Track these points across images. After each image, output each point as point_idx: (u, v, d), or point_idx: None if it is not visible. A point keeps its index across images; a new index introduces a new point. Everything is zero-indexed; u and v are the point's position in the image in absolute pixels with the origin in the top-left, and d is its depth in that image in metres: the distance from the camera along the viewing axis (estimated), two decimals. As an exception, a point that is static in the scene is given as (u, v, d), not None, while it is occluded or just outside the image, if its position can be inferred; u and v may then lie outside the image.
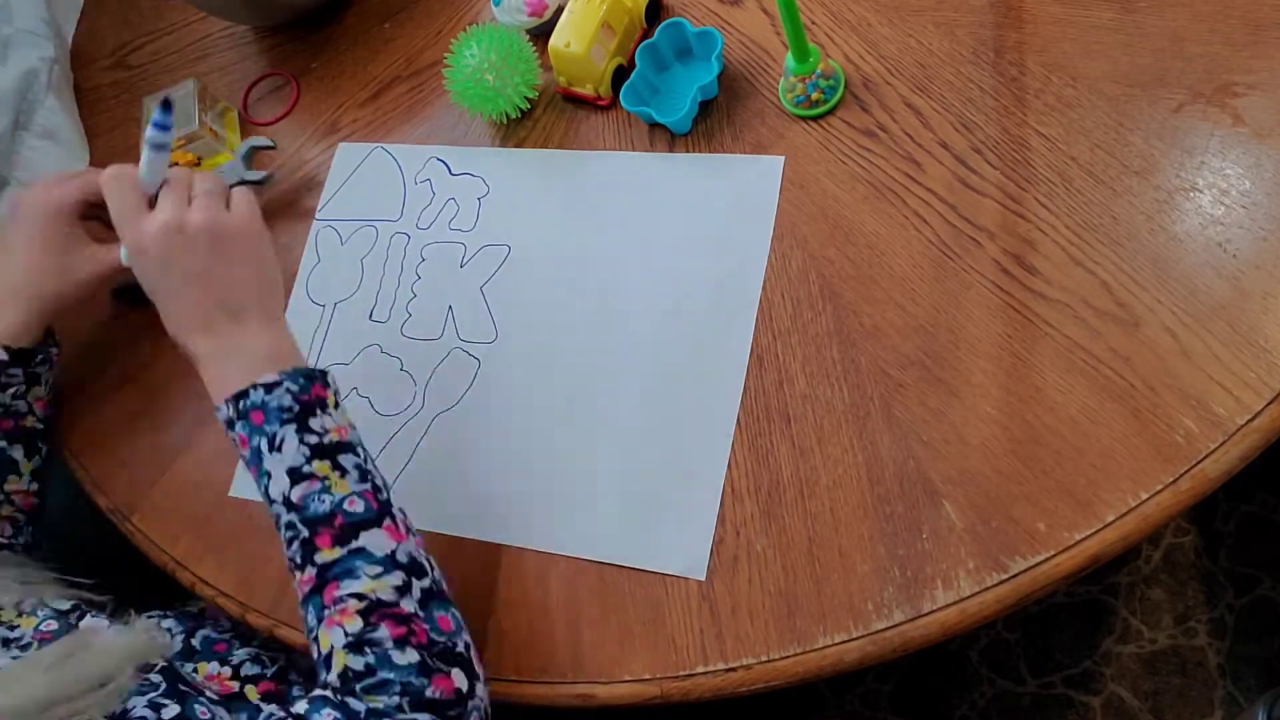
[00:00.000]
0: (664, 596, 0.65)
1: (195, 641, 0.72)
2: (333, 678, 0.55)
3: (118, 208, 0.66)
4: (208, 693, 0.58)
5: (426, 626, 0.57)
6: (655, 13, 0.83)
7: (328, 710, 0.53)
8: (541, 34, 0.82)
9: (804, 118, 0.75)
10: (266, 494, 0.61)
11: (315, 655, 0.58)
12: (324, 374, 0.64)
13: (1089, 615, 1.23)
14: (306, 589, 0.59)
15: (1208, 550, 1.22)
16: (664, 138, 0.78)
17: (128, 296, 0.84)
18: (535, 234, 0.79)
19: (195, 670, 0.69)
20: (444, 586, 0.61)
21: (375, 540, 0.59)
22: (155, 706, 0.54)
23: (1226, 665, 1.17)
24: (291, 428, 0.60)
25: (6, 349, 0.72)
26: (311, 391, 0.62)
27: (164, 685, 0.56)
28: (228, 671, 0.72)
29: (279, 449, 0.60)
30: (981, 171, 0.68)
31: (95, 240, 0.75)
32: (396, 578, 0.58)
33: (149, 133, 0.66)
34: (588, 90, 0.81)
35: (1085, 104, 0.68)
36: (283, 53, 0.97)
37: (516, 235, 0.80)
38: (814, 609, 0.62)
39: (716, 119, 0.77)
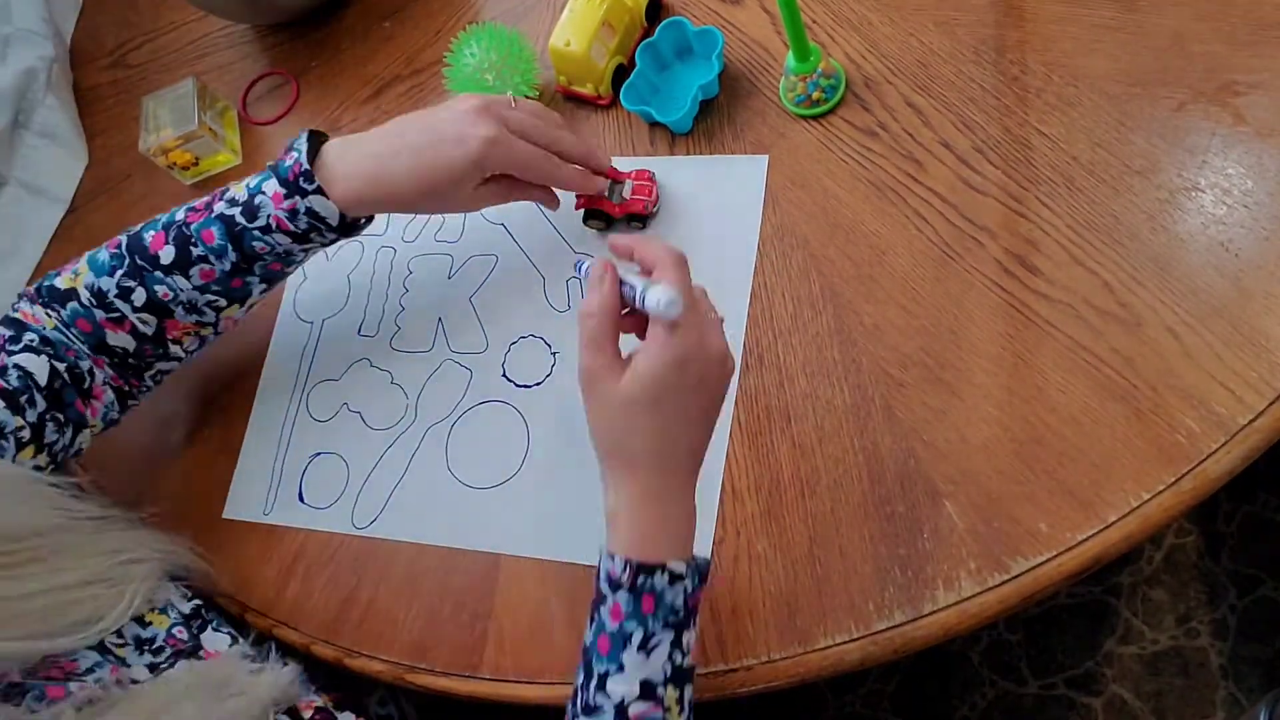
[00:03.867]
0: (664, 597, 0.65)
1: None
2: None
3: (690, 296, 0.54)
4: None
5: None
6: (655, 12, 0.83)
7: None
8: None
9: (805, 117, 0.75)
10: (601, 679, 0.53)
11: None
12: (709, 566, 0.56)
13: (1091, 616, 1.23)
14: None
15: (1210, 551, 1.22)
16: (664, 138, 0.78)
17: None
18: (522, 242, 0.79)
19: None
20: None
21: None
22: None
23: (1228, 666, 1.17)
24: (670, 636, 0.53)
25: (342, 216, 0.68)
26: (697, 595, 0.55)
27: None
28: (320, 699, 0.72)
29: (648, 653, 0.53)
30: (983, 171, 0.68)
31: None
32: None
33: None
34: (588, 89, 0.81)
35: (1087, 103, 0.68)
36: (282, 52, 0.97)
37: (503, 244, 0.80)
38: (815, 609, 0.61)
39: (717, 118, 0.77)
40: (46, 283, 0.71)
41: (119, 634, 0.60)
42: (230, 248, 0.68)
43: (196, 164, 0.92)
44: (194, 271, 0.68)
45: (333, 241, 0.71)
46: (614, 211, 0.75)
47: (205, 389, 0.83)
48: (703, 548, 0.65)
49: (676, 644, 0.54)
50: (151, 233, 0.69)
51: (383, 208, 0.70)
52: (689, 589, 0.54)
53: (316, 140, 0.69)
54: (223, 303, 0.71)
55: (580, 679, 0.54)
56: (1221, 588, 1.20)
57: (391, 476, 0.75)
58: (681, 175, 0.76)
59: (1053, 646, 1.23)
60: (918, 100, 0.72)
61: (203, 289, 0.69)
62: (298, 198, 0.67)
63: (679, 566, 0.53)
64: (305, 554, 0.75)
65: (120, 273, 0.68)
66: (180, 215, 0.69)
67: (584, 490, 0.69)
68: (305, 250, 0.71)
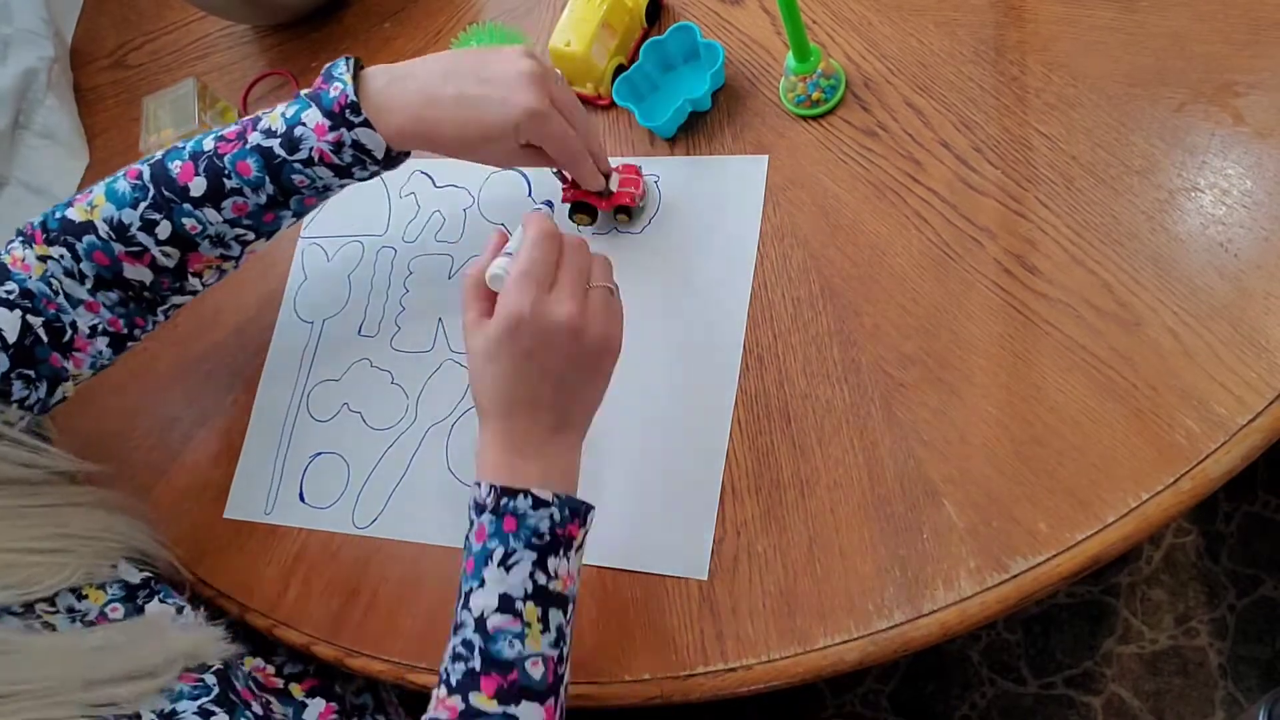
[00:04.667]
0: (664, 597, 0.65)
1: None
2: None
3: (525, 265, 0.57)
4: (255, 705, 0.58)
5: None
6: (655, 13, 0.83)
7: None
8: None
9: (805, 117, 0.75)
10: (465, 595, 0.56)
11: None
12: (590, 511, 0.59)
13: (1090, 615, 1.23)
14: (444, 715, 0.54)
15: (1209, 550, 1.22)
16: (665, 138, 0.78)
17: None
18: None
19: (243, 661, 0.68)
20: None
21: (531, 716, 0.54)
22: (205, 714, 0.55)
23: (1228, 666, 1.17)
24: (532, 556, 0.55)
25: (388, 150, 0.67)
26: (568, 528, 0.57)
27: (216, 690, 0.56)
28: (271, 668, 0.72)
29: (507, 569, 0.55)
30: (982, 171, 0.68)
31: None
32: None
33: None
34: (588, 90, 0.81)
35: (1086, 103, 0.68)
36: (282, 52, 0.97)
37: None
38: (814, 609, 0.61)
39: (717, 119, 0.77)
40: (57, 213, 0.68)
41: (51, 601, 0.58)
42: (268, 180, 0.65)
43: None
44: (226, 204, 0.66)
45: (374, 175, 0.69)
46: (601, 205, 0.75)
47: (206, 389, 0.83)
48: (703, 547, 0.65)
49: (540, 565, 0.55)
50: (178, 162, 0.66)
51: (424, 146, 0.67)
52: (556, 517, 0.56)
53: (356, 67, 0.66)
54: (251, 236, 0.69)
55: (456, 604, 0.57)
56: (1221, 587, 1.20)
57: (392, 476, 0.75)
58: (681, 176, 0.76)
59: (1052, 646, 1.23)
60: (918, 100, 0.72)
61: (234, 222, 0.67)
62: (344, 130, 0.64)
63: (544, 494, 0.56)
64: (306, 554, 0.75)
65: (144, 205, 0.66)
66: (209, 144, 0.66)
67: (582, 491, 0.69)
68: (344, 184, 0.69)
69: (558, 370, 0.57)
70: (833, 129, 0.74)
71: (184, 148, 0.67)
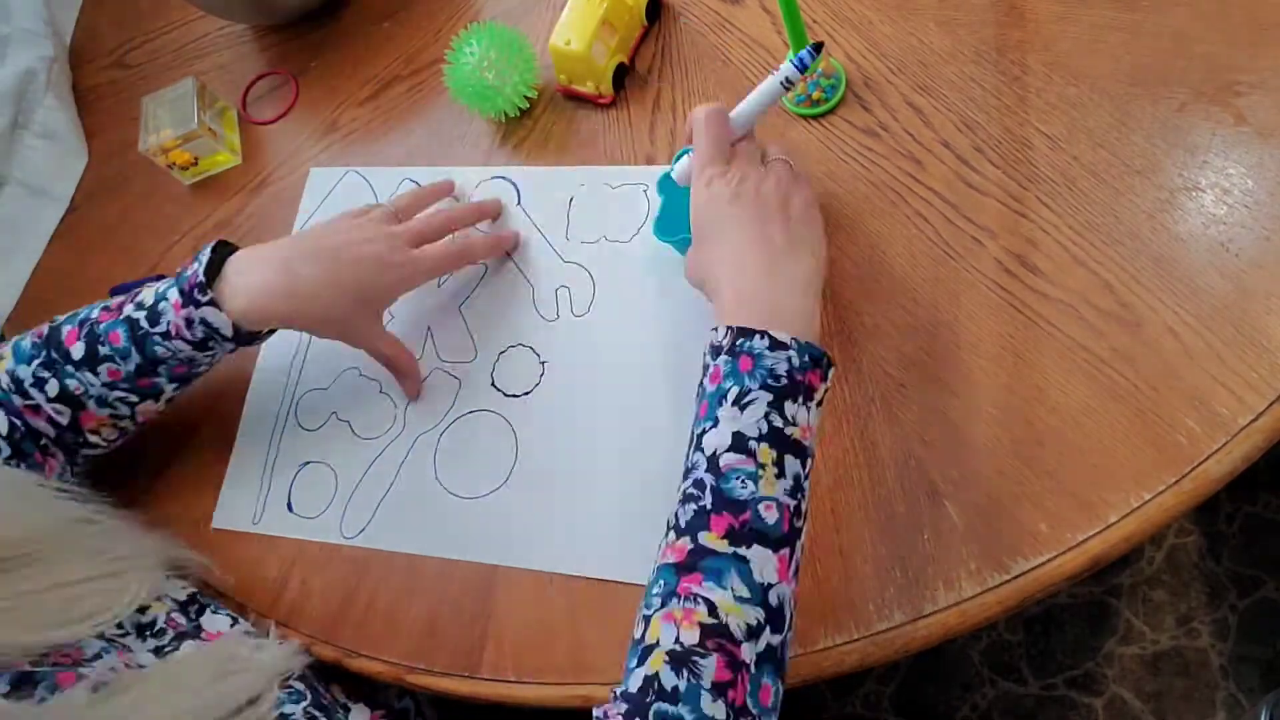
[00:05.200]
0: (664, 597, 0.65)
1: None
2: (636, 678, 0.50)
3: (707, 145, 0.63)
4: (340, 712, 0.61)
5: (749, 689, 0.50)
6: (656, 11, 0.83)
7: None
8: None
9: (805, 117, 0.75)
10: (697, 438, 0.55)
11: (637, 633, 0.53)
12: (830, 365, 0.57)
13: (1091, 616, 1.23)
14: (671, 558, 0.53)
15: (1210, 551, 1.22)
16: (666, 137, 0.78)
17: None
18: (512, 252, 0.79)
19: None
20: (786, 653, 0.53)
21: (763, 562, 0.52)
22: (311, 716, 0.58)
23: (1229, 666, 1.17)
24: (767, 397, 0.54)
25: (236, 329, 0.69)
26: (807, 375, 0.55)
27: (310, 696, 0.59)
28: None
29: (742, 408, 0.54)
30: (983, 171, 0.68)
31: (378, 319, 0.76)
32: (756, 615, 0.51)
33: (786, 68, 0.61)
34: (588, 88, 0.80)
35: (1087, 103, 0.67)
36: (282, 51, 0.97)
37: None
38: (815, 610, 0.61)
39: (717, 118, 0.77)
40: None
41: (119, 625, 0.61)
42: (134, 350, 0.69)
43: (196, 164, 0.92)
44: (101, 369, 0.69)
45: (234, 350, 0.72)
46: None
47: (195, 398, 0.83)
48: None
49: (776, 407, 0.54)
50: (69, 327, 0.70)
51: (284, 323, 0.71)
52: (795, 362, 0.55)
53: (225, 250, 0.70)
54: (134, 398, 0.72)
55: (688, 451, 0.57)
56: (1222, 588, 1.20)
57: (379, 486, 0.75)
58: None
59: (1053, 647, 1.23)
60: (918, 100, 0.72)
61: (111, 385, 0.70)
62: (192, 308, 0.68)
63: (782, 336, 0.55)
64: (304, 556, 0.75)
65: (37, 362, 0.70)
66: (95, 314, 0.71)
67: (571, 502, 0.69)
68: (210, 355, 0.71)
69: (782, 226, 0.60)
70: (833, 129, 0.74)
71: (80, 314, 0.71)
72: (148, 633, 0.62)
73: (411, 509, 0.73)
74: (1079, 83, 0.68)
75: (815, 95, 0.73)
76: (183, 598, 0.67)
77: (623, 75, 0.80)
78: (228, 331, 0.69)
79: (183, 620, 0.65)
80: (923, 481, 0.62)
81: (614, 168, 0.79)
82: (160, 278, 0.72)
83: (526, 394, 0.74)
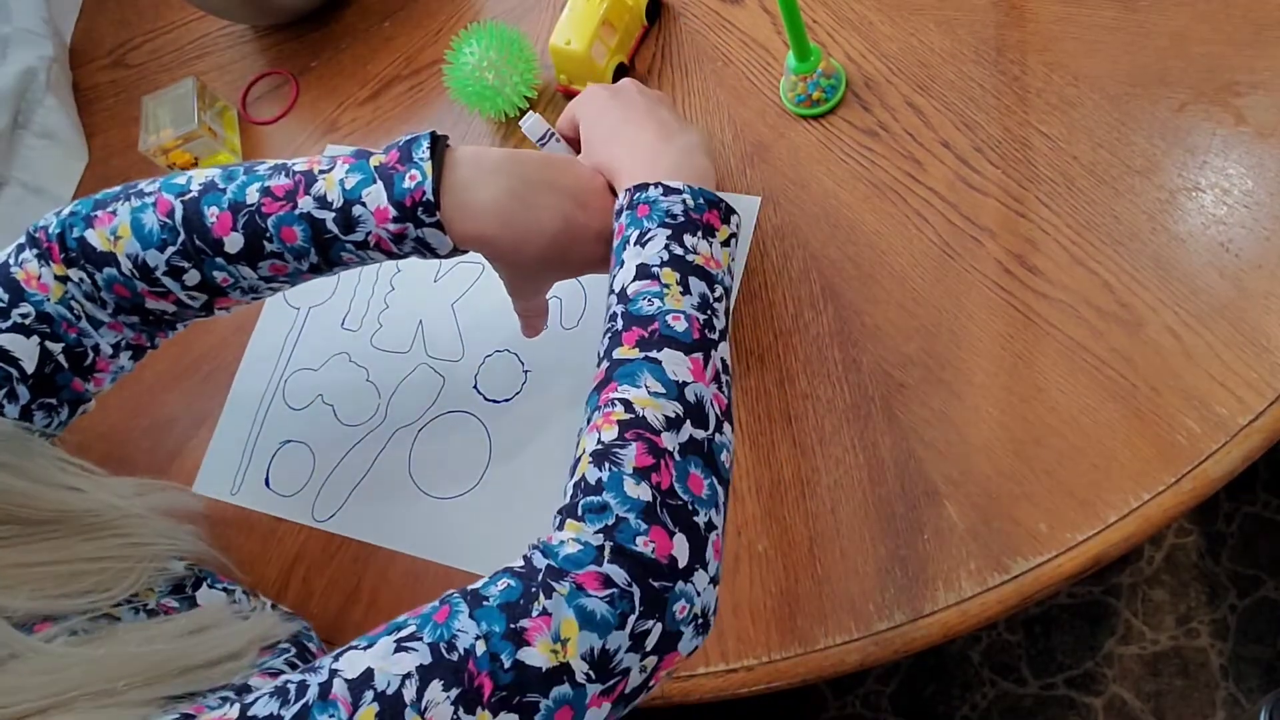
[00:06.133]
0: (664, 597, 0.65)
1: None
2: (569, 486, 0.51)
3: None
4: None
5: (675, 474, 0.49)
6: (656, 11, 0.83)
7: (504, 579, 0.48)
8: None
9: (805, 117, 0.75)
10: (611, 288, 0.57)
11: (574, 457, 0.52)
12: (730, 212, 0.59)
13: (1091, 616, 1.23)
14: (594, 383, 0.54)
15: (1210, 551, 1.22)
16: (664, 137, 0.78)
17: None
18: None
19: (311, 631, 0.68)
20: (721, 458, 0.52)
21: (675, 363, 0.52)
22: (293, 666, 0.56)
23: (1229, 666, 1.17)
24: (665, 232, 0.56)
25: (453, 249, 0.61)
26: (704, 216, 0.57)
27: (294, 649, 0.58)
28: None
29: (643, 245, 0.56)
30: (983, 171, 0.68)
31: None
32: (673, 408, 0.51)
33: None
34: (588, 89, 0.80)
35: (1087, 103, 0.68)
36: (282, 51, 0.97)
37: None
38: (815, 610, 0.61)
39: (718, 119, 0.77)
40: (75, 230, 0.62)
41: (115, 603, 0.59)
42: (314, 251, 0.60)
43: (196, 164, 0.92)
44: (264, 265, 0.61)
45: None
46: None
47: (205, 390, 0.83)
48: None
49: (675, 239, 0.56)
50: (215, 209, 0.60)
51: (494, 255, 0.62)
52: (690, 203, 0.57)
53: (440, 145, 0.59)
54: (287, 287, 0.65)
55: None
56: (1222, 588, 1.20)
57: (354, 474, 0.75)
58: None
59: (1053, 647, 1.23)
60: (918, 100, 0.72)
61: (269, 279, 0.62)
62: (410, 225, 0.58)
63: (674, 183, 0.58)
64: (306, 554, 0.75)
65: (172, 249, 0.60)
66: (253, 195, 0.60)
67: (535, 514, 0.68)
68: (396, 260, 0.63)
69: (667, 108, 0.64)
70: (833, 129, 0.74)
71: (224, 191, 0.60)
72: (141, 608, 0.59)
73: (382, 501, 0.74)
74: (1079, 83, 0.68)
75: (815, 95, 0.73)
76: (182, 570, 0.63)
77: (623, 75, 0.80)
78: (445, 252, 0.60)
79: (174, 604, 0.62)
80: (923, 481, 0.62)
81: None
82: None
83: (507, 400, 0.74)
